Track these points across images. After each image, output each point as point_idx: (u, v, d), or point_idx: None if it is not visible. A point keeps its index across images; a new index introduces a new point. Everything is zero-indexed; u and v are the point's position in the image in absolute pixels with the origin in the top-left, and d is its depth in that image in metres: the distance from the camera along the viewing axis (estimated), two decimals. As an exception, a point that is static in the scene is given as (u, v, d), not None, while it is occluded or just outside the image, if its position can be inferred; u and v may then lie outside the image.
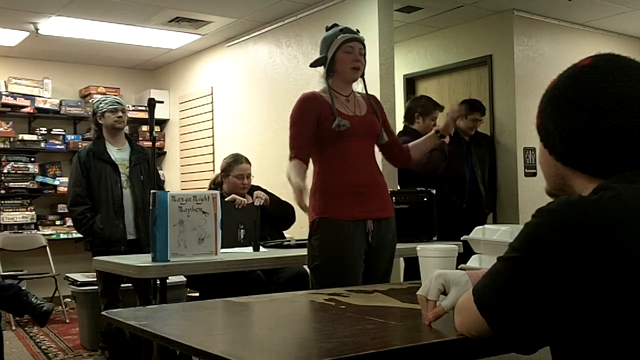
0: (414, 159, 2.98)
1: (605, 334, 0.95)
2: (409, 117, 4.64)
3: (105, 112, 4.14)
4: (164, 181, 7.04)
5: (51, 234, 6.53)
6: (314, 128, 2.68)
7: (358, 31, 2.79)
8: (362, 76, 2.80)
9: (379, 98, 5.00)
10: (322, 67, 2.78)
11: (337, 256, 2.63)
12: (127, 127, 4.40)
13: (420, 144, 2.98)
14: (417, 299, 1.37)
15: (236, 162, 4.05)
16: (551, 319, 0.99)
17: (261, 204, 3.88)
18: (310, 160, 2.75)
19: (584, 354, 0.98)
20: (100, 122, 4.18)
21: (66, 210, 6.72)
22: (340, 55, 2.71)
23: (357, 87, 2.87)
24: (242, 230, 3.74)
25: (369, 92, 2.89)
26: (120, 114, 4.16)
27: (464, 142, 4.97)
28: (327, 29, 2.82)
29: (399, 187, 4.63)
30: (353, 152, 2.71)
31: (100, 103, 4.18)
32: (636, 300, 0.93)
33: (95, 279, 4.29)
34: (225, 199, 3.80)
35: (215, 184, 4.12)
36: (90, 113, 4.63)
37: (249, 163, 4.09)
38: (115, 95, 4.94)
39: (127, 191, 4.10)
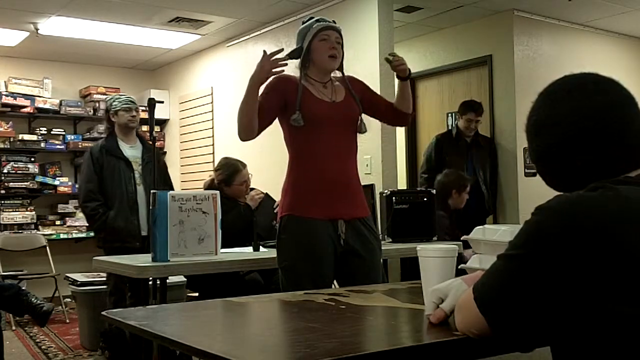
0: (404, 111, 2.77)
1: (604, 330, 0.95)
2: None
3: (119, 111, 4.16)
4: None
5: (51, 234, 6.54)
6: (277, 108, 2.59)
7: (334, 22, 2.70)
8: (341, 68, 2.70)
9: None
10: (298, 59, 2.69)
11: (307, 255, 2.51)
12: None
13: (398, 94, 2.79)
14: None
15: (236, 171, 4.07)
16: (551, 316, 0.99)
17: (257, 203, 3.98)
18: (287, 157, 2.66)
19: (584, 351, 0.98)
20: (113, 119, 4.20)
21: (66, 210, 6.76)
22: (316, 44, 2.63)
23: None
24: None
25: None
26: (134, 113, 4.20)
27: (465, 143, 5.01)
28: (304, 22, 2.74)
29: (399, 187, 4.64)
30: (327, 145, 2.58)
31: (114, 101, 4.20)
32: (636, 298, 0.93)
33: (95, 279, 4.28)
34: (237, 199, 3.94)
35: (210, 189, 4.12)
36: (103, 110, 4.64)
37: (245, 165, 4.15)
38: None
39: (141, 188, 4.11)
